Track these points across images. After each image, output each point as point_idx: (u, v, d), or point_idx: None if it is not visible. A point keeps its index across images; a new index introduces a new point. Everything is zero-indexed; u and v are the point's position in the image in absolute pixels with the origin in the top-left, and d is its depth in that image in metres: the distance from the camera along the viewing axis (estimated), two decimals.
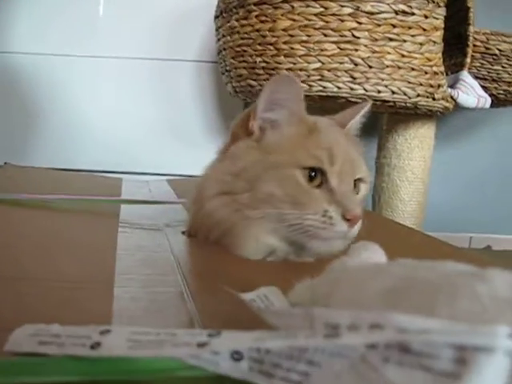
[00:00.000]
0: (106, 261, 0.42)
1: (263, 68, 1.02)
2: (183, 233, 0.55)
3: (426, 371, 0.16)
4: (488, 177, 1.91)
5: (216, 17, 1.17)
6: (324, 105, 1.02)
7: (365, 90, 0.96)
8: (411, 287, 0.21)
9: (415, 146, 1.27)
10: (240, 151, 0.47)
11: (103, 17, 1.54)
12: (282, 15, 0.96)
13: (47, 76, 1.57)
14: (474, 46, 1.37)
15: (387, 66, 0.95)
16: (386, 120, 1.33)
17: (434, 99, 1.02)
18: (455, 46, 1.34)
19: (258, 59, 1.01)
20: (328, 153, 0.44)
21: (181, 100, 1.61)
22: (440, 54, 1.00)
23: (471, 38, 1.28)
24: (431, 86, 1.00)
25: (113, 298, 0.33)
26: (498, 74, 1.45)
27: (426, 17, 0.95)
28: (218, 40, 1.18)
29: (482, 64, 1.43)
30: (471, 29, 1.27)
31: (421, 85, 0.98)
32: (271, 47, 0.99)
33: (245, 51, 1.05)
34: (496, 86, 1.48)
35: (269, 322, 0.23)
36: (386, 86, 0.96)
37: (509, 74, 1.45)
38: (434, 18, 0.96)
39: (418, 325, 0.16)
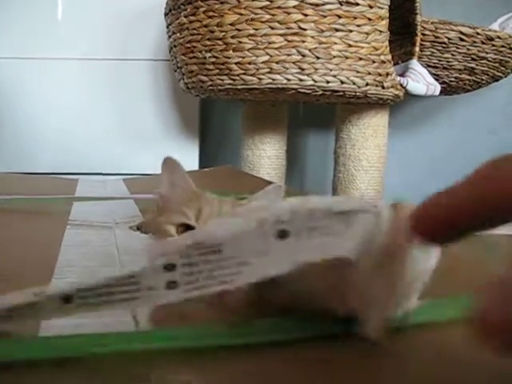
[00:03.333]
0: (48, 255, 0.42)
1: (213, 63, 1.02)
2: (131, 227, 0.55)
3: (326, 235, 0.22)
4: (447, 163, 1.95)
5: (166, 14, 1.17)
6: (275, 98, 1.04)
7: (314, 80, 0.97)
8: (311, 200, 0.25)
9: (369, 135, 1.29)
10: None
11: (57, 19, 1.53)
12: (229, 10, 0.97)
13: (1, 79, 1.55)
14: (424, 34, 1.40)
15: (335, 57, 0.97)
16: (339, 110, 1.35)
17: (383, 88, 1.04)
18: (405, 36, 1.36)
19: (208, 54, 1.02)
20: (196, 212, 0.48)
21: (137, 99, 1.60)
22: (387, 43, 1.02)
23: (419, 27, 1.31)
24: (379, 74, 1.02)
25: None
26: (448, 61, 1.48)
27: (371, 7, 0.97)
28: (169, 37, 1.18)
29: (433, 52, 1.46)
30: (418, 18, 1.30)
31: (369, 74, 1.00)
32: (220, 42, 0.99)
33: (194, 47, 1.05)
34: (447, 73, 1.51)
35: None
36: (334, 76, 0.98)
37: (458, 61, 1.48)
38: (379, 7, 0.98)
39: (321, 206, 0.23)
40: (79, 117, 1.59)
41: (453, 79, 1.53)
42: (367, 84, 1.01)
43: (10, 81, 1.56)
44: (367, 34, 0.98)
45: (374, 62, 1.00)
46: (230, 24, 0.97)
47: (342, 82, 0.99)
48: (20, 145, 1.59)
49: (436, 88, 1.23)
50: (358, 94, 1.03)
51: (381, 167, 1.32)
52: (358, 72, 0.99)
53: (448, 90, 1.56)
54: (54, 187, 0.92)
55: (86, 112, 1.59)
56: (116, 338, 0.24)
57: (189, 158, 1.63)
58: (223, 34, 0.98)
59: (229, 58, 0.99)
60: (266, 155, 1.43)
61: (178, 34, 1.10)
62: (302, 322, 0.25)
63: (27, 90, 1.57)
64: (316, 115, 1.86)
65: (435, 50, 1.45)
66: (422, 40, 1.38)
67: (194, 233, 0.25)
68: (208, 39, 1.01)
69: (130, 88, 1.60)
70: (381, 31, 0.99)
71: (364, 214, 0.22)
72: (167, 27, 1.19)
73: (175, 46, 1.14)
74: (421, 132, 1.94)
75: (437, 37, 1.44)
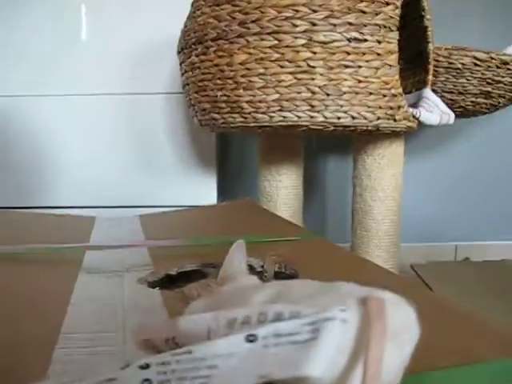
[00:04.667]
0: (53, 317, 0.43)
1: (224, 102, 1.03)
2: (140, 280, 0.56)
3: (293, 344, 0.22)
4: (466, 185, 1.94)
5: (178, 52, 1.19)
6: (287, 133, 1.04)
7: (324, 117, 0.97)
8: (290, 290, 0.27)
9: (384, 165, 1.28)
10: None
11: (70, 55, 1.56)
12: (239, 49, 0.98)
13: (15, 118, 1.59)
14: (437, 61, 1.40)
15: (345, 93, 0.97)
16: (355, 140, 1.36)
17: (395, 120, 1.04)
18: (418, 64, 1.36)
19: (219, 93, 1.03)
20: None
21: (154, 133, 1.62)
22: (397, 77, 1.02)
23: (431, 56, 1.31)
24: (391, 108, 1.02)
25: (50, 362, 0.34)
26: (463, 86, 1.48)
27: (379, 42, 0.97)
28: (182, 75, 1.20)
29: (447, 78, 1.46)
30: (431, 46, 1.30)
31: (380, 108, 1.00)
32: (230, 81, 1.01)
33: (206, 86, 1.06)
34: (463, 98, 1.51)
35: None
36: (345, 112, 0.98)
37: (474, 86, 1.48)
38: (388, 42, 0.98)
39: (288, 310, 0.24)
40: (97, 151, 1.62)
41: (469, 103, 1.53)
42: (379, 118, 1.01)
43: (29, 117, 1.59)
44: (377, 68, 0.98)
45: (384, 96, 1.01)
46: (240, 63, 0.98)
47: (353, 118, 0.99)
48: (40, 180, 1.62)
49: (450, 117, 1.23)
50: (369, 128, 1.03)
51: (397, 197, 1.32)
52: (368, 107, 0.99)
53: (465, 113, 1.55)
54: (70, 229, 0.93)
55: (103, 146, 1.62)
56: None
57: (207, 190, 1.64)
58: (233, 73, 1.00)
59: (240, 96, 1.00)
60: (283, 185, 1.43)
61: (190, 73, 1.11)
62: None
63: (46, 126, 1.60)
64: (334, 143, 1.87)
65: (450, 76, 1.46)
66: (436, 66, 1.39)
67: (176, 325, 0.26)
68: (219, 78, 1.03)
69: (147, 122, 1.62)
70: (390, 65, 0.99)
71: (331, 321, 0.22)
72: (180, 65, 1.20)
73: (188, 84, 1.15)
74: (439, 156, 1.93)
75: (451, 63, 1.44)
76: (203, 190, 1.64)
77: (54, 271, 0.61)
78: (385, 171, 1.28)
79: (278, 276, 0.59)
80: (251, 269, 0.59)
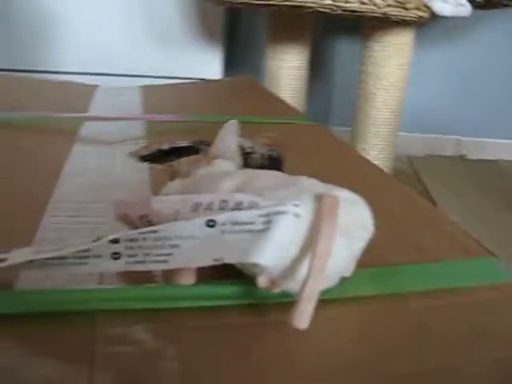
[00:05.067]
0: (44, 186, 0.45)
1: None
2: (131, 154, 0.57)
3: (248, 232, 0.24)
4: (475, 81, 1.91)
5: None
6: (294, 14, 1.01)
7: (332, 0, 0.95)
8: (254, 180, 0.29)
9: (392, 54, 1.26)
10: None
11: None
12: None
13: None
14: None
15: None
16: (364, 26, 1.32)
17: (405, 9, 1.01)
18: None
19: None
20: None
21: (161, 2, 1.58)
22: None
23: None
24: None
25: (37, 228, 0.36)
26: None
27: None
28: None
29: None
30: None
31: None
32: None
33: None
34: None
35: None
36: None
37: None
38: None
39: (248, 200, 0.26)
40: (105, 17, 1.58)
41: None
42: (388, 5, 0.98)
43: None
44: None
45: None
46: None
47: (362, 3, 0.96)
48: (47, 42, 1.60)
49: (466, 9, 1.18)
50: (378, 14, 1.01)
51: (401, 87, 1.31)
52: None
53: (485, 5, 1.49)
54: (70, 97, 0.94)
55: (112, 12, 1.58)
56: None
57: (212, 64, 1.62)
58: None
59: None
60: (287, 65, 1.42)
61: None
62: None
63: None
64: (344, 26, 1.82)
65: None
66: None
67: (148, 204, 0.28)
68: None
69: None
70: None
71: (284, 215, 0.24)
72: None
73: None
74: (448, 50, 1.88)
75: None
76: (208, 64, 1.63)
77: (50, 140, 0.62)
78: (391, 60, 1.26)
79: (265, 158, 0.61)
80: (241, 149, 0.60)
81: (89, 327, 0.25)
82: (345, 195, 0.27)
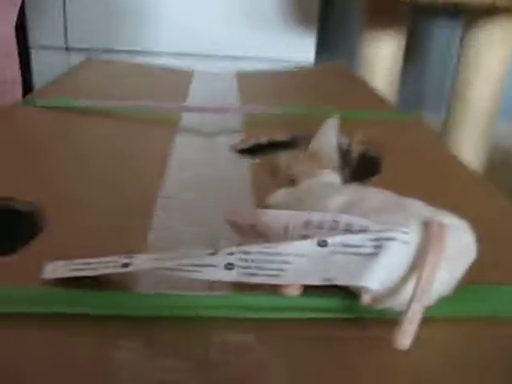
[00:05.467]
0: (152, 180, 0.48)
1: None
2: (232, 147, 0.59)
3: (357, 255, 0.26)
4: None
5: None
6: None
7: None
8: (363, 200, 0.30)
9: (495, 42, 1.22)
10: None
11: None
12: None
13: None
14: None
15: None
16: (466, 14, 1.28)
17: None
18: None
19: None
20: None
21: None
22: None
23: None
24: None
25: (150, 227, 0.39)
26: None
27: None
28: None
29: None
30: None
31: None
32: None
33: None
34: None
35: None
36: None
37: None
38: None
39: (358, 223, 0.27)
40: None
41: None
42: None
43: None
44: None
45: None
46: None
47: None
48: (142, 23, 1.65)
49: None
50: (485, 4, 0.97)
51: (502, 77, 1.26)
52: None
53: None
54: (168, 85, 0.97)
55: None
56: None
57: (305, 46, 1.62)
58: None
59: None
60: (383, 52, 1.40)
61: None
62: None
63: None
64: (442, 11, 1.76)
65: None
66: None
67: (259, 216, 0.30)
68: None
69: None
70: None
71: (393, 241, 0.26)
72: None
73: None
74: None
75: None
76: (301, 47, 1.63)
77: (152, 131, 0.65)
78: (494, 49, 1.22)
79: (362, 158, 0.61)
80: (338, 147, 0.61)
81: (201, 333, 0.27)
82: (451, 221, 0.28)
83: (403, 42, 1.42)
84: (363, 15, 1.39)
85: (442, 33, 1.82)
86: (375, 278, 0.25)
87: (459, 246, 0.28)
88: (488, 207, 0.46)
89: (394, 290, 0.27)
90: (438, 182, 0.51)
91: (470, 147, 1.30)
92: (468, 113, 1.29)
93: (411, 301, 0.25)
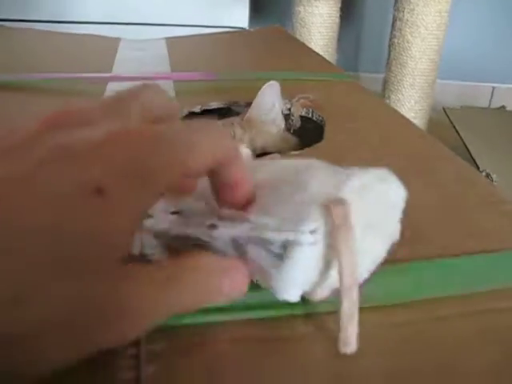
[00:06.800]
0: None
1: None
2: None
3: (267, 251, 0.23)
4: None
5: None
6: None
7: None
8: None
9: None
10: None
11: None
12: None
13: None
14: None
15: None
16: None
17: None
18: None
19: None
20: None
21: None
22: None
23: None
24: None
25: None
26: None
27: None
28: None
29: None
30: None
31: None
32: None
33: None
34: None
35: None
36: None
37: None
38: None
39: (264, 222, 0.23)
40: None
41: None
42: None
43: None
44: None
45: None
46: None
47: None
48: None
49: None
50: None
51: (440, 35, 1.24)
52: None
53: None
54: (93, 54, 0.90)
55: None
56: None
57: (238, 10, 1.56)
58: None
59: None
60: (319, 12, 1.35)
61: None
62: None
63: None
64: None
65: None
66: None
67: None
68: None
69: None
70: None
71: (299, 247, 0.23)
72: None
73: None
74: None
75: None
76: (235, 11, 1.56)
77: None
78: (430, 6, 1.19)
79: (304, 122, 0.57)
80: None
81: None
82: (366, 180, 0.24)
83: (339, 4, 1.38)
84: None
85: None
86: (291, 292, 0.23)
87: (384, 201, 0.25)
88: (434, 159, 0.43)
89: (322, 281, 0.24)
90: (386, 142, 0.47)
91: (410, 110, 1.29)
92: (407, 74, 1.27)
93: (341, 302, 0.22)
